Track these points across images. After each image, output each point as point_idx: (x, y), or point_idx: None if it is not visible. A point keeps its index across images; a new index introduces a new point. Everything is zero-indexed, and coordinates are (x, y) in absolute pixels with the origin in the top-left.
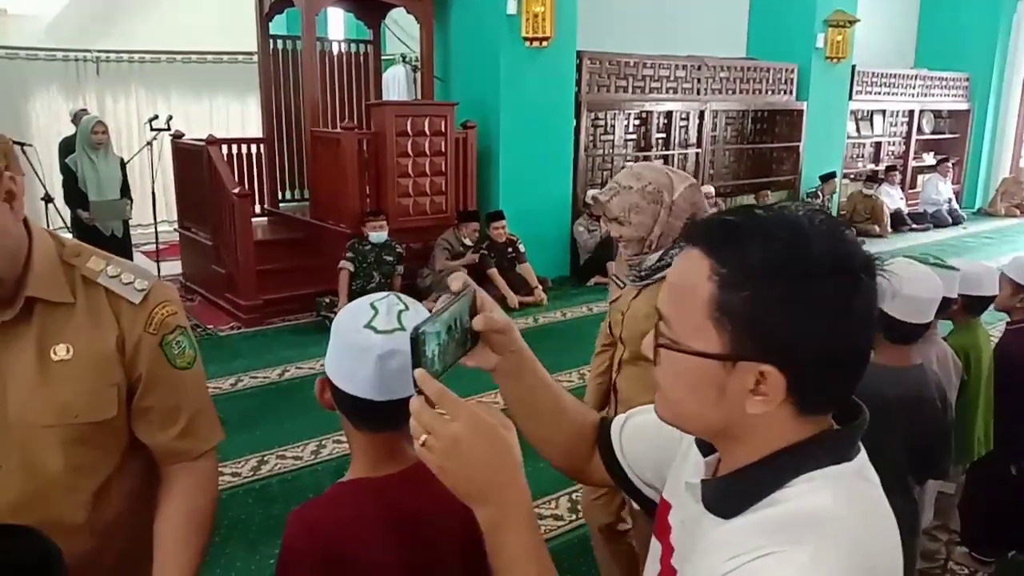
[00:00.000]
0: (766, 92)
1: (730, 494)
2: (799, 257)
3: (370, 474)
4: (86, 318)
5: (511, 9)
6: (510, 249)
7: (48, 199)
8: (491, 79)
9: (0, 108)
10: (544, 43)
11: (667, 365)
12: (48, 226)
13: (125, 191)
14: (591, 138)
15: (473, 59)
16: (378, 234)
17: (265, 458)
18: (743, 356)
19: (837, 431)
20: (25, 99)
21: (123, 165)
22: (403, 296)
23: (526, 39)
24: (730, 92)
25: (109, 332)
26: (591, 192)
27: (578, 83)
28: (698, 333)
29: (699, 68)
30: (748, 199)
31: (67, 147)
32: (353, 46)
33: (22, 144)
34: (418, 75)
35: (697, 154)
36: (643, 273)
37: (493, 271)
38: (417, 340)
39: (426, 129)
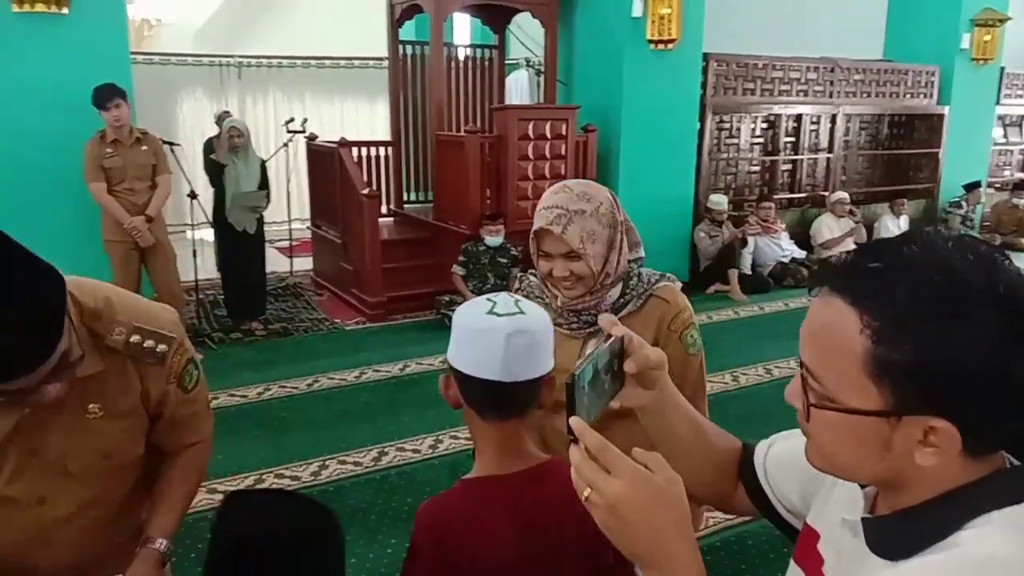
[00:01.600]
0: (904, 95)
1: (898, 536)
2: (956, 298)
3: (495, 472)
4: (114, 380)
5: (636, 12)
6: None
7: (193, 195)
8: (614, 82)
9: (152, 110)
10: (669, 45)
11: (820, 420)
12: (191, 220)
13: (263, 189)
14: (715, 142)
15: (596, 62)
16: (494, 238)
17: (385, 449)
18: (909, 411)
19: (1015, 468)
20: (174, 102)
21: (263, 167)
22: (514, 295)
23: (651, 42)
24: (865, 95)
25: (134, 389)
26: (712, 197)
27: (703, 86)
28: (855, 389)
29: (832, 70)
30: (882, 207)
31: (211, 147)
32: (478, 51)
33: (171, 144)
34: (541, 79)
35: (828, 159)
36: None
37: None
38: (573, 386)
39: (547, 132)
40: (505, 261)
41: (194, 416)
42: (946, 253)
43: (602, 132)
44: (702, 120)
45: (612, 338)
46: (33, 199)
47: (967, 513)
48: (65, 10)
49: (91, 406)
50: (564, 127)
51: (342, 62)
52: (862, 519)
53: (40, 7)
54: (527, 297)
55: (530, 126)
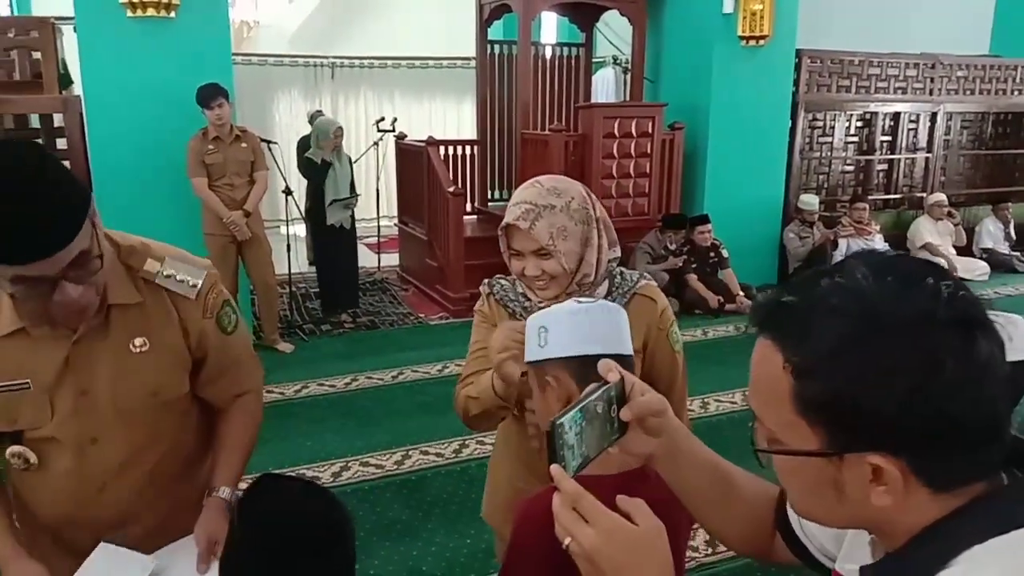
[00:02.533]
0: (1012, 92)
1: None
2: (869, 330)
3: (596, 471)
4: (154, 312)
5: (727, 8)
6: (712, 254)
7: (288, 192)
8: (702, 80)
9: (250, 109)
10: (761, 42)
11: (777, 463)
12: (286, 216)
13: (352, 187)
14: (807, 140)
15: (684, 60)
16: None
17: (466, 442)
18: (847, 448)
19: (992, 496)
20: (270, 101)
21: (351, 163)
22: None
23: (742, 38)
24: (968, 92)
25: (173, 323)
26: (803, 197)
27: (796, 83)
28: (792, 430)
29: (933, 66)
30: (984, 210)
31: (305, 145)
32: (565, 49)
33: (268, 142)
34: (627, 77)
35: (927, 159)
36: None
37: (692, 276)
38: (554, 432)
39: (633, 130)
40: None
41: (238, 363)
42: (864, 282)
43: (689, 130)
44: (794, 118)
45: (607, 383)
46: (140, 193)
47: (948, 551)
48: (173, 14)
49: (136, 340)
50: (650, 125)
51: (431, 62)
52: (860, 568)
53: (151, 12)
54: (499, 302)
55: (615, 124)
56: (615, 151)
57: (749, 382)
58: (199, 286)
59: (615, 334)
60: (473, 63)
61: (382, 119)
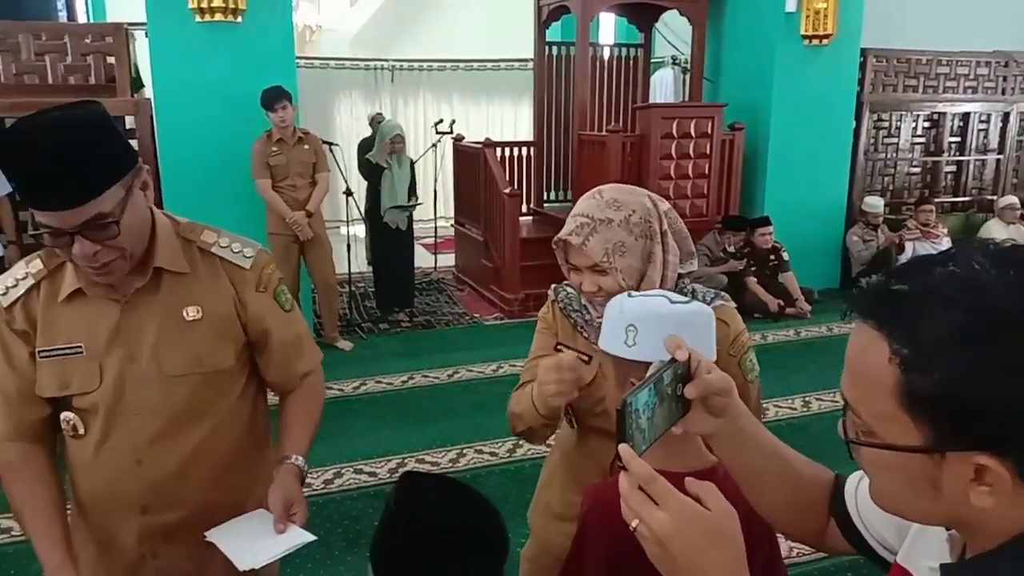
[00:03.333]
0: None
1: None
2: (987, 324)
3: (661, 467)
4: (208, 283)
5: (790, 7)
6: (772, 257)
7: (348, 192)
8: (763, 79)
9: (312, 112)
10: (824, 41)
11: (866, 457)
12: (346, 216)
13: (412, 190)
14: (872, 141)
15: (745, 59)
16: None
17: (520, 442)
18: (950, 447)
19: None
20: (332, 104)
21: (412, 167)
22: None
23: (805, 37)
24: None
25: (227, 294)
26: (867, 199)
27: (860, 82)
28: (892, 424)
29: (1006, 65)
30: None
31: (365, 147)
32: (623, 50)
33: (330, 144)
34: (687, 77)
35: (998, 161)
36: None
37: (752, 279)
38: (624, 411)
39: (691, 131)
40: None
41: (300, 341)
42: (981, 273)
43: (750, 131)
44: (858, 119)
45: (675, 360)
46: (207, 193)
47: None
48: (239, 19)
49: (188, 309)
50: (709, 125)
51: (489, 64)
52: (940, 566)
53: (219, 17)
54: (563, 311)
55: (674, 124)
56: (673, 152)
57: (845, 371)
58: (253, 257)
59: (705, 340)
60: (531, 65)
61: (440, 121)
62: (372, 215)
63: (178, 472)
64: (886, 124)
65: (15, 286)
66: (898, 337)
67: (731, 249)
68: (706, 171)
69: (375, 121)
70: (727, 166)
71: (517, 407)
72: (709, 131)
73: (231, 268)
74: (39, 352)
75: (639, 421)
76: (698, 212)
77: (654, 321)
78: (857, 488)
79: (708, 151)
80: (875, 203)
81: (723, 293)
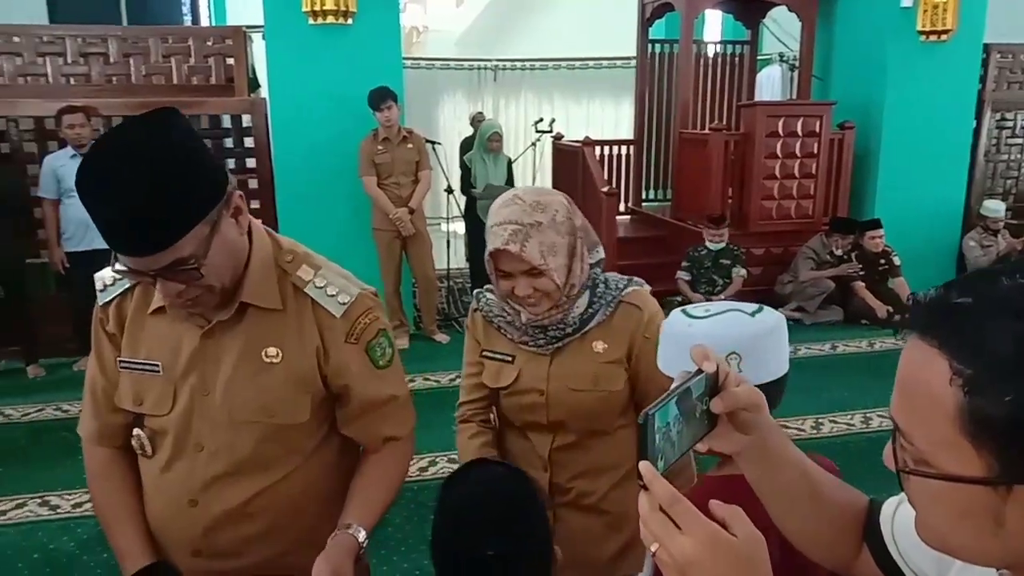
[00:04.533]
0: None
1: None
2: None
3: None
4: (294, 324)
5: (906, 2)
6: (883, 261)
7: (449, 190)
8: (876, 77)
9: (417, 111)
10: (943, 37)
11: (917, 488)
12: (447, 214)
13: (509, 183)
14: (994, 142)
15: (857, 56)
16: (715, 243)
17: None
18: (1020, 479)
19: None
20: (436, 103)
21: (510, 164)
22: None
23: (921, 33)
24: None
25: (311, 342)
26: (987, 203)
27: (982, 80)
28: (950, 451)
29: None
30: None
31: (466, 146)
32: (729, 47)
33: (433, 143)
34: (795, 74)
35: None
36: (568, 329)
37: (860, 284)
38: (646, 426)
39: (798, 130)
40: (728, 262)
41: (391, 404)
42: None
43: (860, 130)
44: (978, 118)
45: (700, 373)
46: (317, 189)
47: None
48: (350, 21)
49: (269, 349)
50: (818, 124)
51: (591, 63)
52: None
53: (331, 19)
54: (485, 317)
55: (780, 123)
56: (779, 151)
57: (896, 392)
58: (348, 304)
59: (784, 346)
60: (633, 63)
61: (540, 120)
62: (470, 212)
63: (232, 521)
64: (1010, 124)
65: (112, 285)
66: (961, 356)
67: (838, 252)
68: (813, 171)
69: (476, 120)
70: (835, 166)
71: (460, 451)
72: (817, 130)
73: (321, 312)
74: (120, 362)
75: (662, 437)
76: (804, 213)
77: (755, 343)
78: (894, 515)
79: (816, 150)
80: (996, 207)
81: (635, 278)
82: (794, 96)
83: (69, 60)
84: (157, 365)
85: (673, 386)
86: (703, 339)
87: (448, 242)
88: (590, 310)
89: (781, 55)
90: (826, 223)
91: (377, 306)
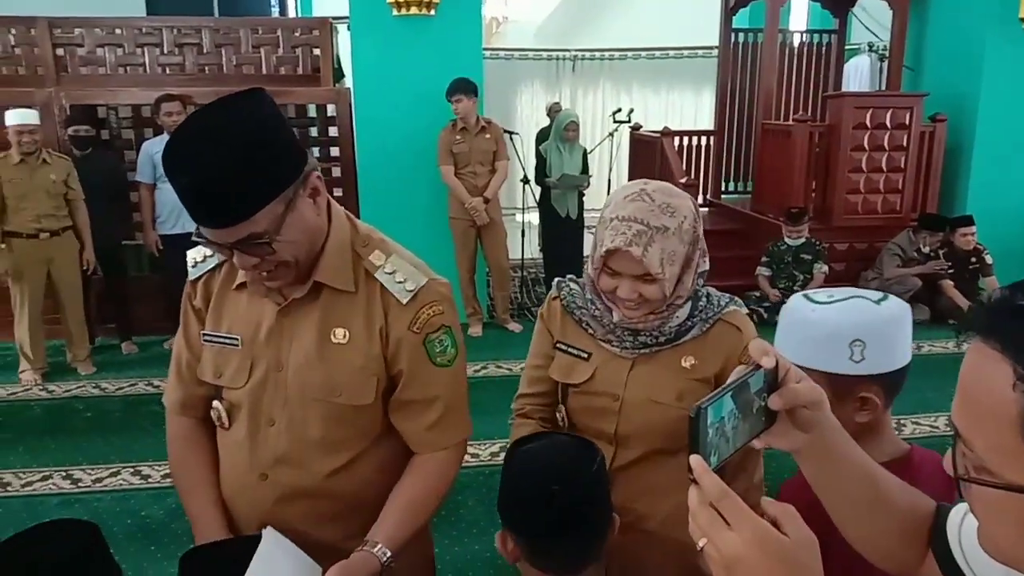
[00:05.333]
0: None
1: None
2: None
3: None
4: (363, 308)
5: None
6: (973, 259)
7: (525, 180)
8: (972, 67)
9: (495, 101)
10: None
11: (977, 497)
12: (522, 204)
13: (585, 173)
14: None
15: (951, 45)
16: (795, 239)
17: None
18: None
19: None
20: (513, 94)
21: (585, 155)
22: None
23: None
24: None
25: (377, 324)
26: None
27: None
28: (1013, 459)
29: None
30: None
31: (543, 136)
32: (815, 36)
33: (511, 132)
34: (884, 64)
35: None
36: (662, 339)
37: (948, 283)
38: (697, 419)
39: (887, 122)
40: (809, 258)
41: (437, 403)
42: None
43: (953, 123)
44: None
45: (758, 368)
46: (398, 177)
47: None
48: (432, 12)
49: (338, 330)
50: (908, 116)
51: (671, 52)
52: None
53: (414, 10)
54: (566, 307)
55: (868, 115)
56: (866, 143)
57: (957, 397)
58: (414, 292)
59: (908, 338)
60: (715, 52)
61: (618, 110)
62: (544, 202)
63: (298, 500)
64: None
65: (203, 261)
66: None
67: (926, 249)
68: (902, 165)
69: (553, 111)
70: (925, 160)
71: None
72: (907, 122)
73: (388, 298)
74: (203, 335)
75: (715, 431)
76: (890, 208)
77: (882, 329)
78: (962, 522)
79: (905, 143)
80: None
81: (735, 298)
82: (883, 87)
83: (165, 51)
84: (237, 339)
85: (729, 380)
86: (827, 325)
87: (523, 232)
88: (688, 322)
89: (871, 44)
90: (914, 219)
91: (445, 300)
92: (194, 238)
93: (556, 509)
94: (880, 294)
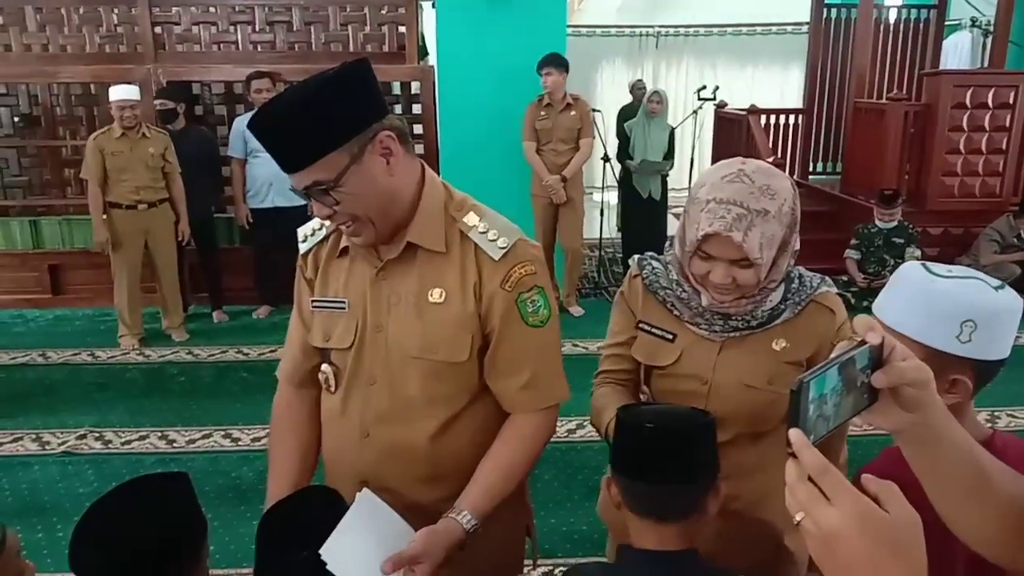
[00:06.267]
0: None
1: None
2: None
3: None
4: (458, 267)
5: None
6: None
7: (606, 159)
8: None
9: (576, 79)
10: None
11: None
12: (602, 183)
13: (669, 156)
14: None
15: None
16: (886, 223)
17: None
18: None
19: None
20: (595, 71)
21: (672, 134)
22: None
23: None
24: None
25: (471, 281)
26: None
27: None
28: None
29: None
30: None
31: (625, 115)
32: (913, 12)
33: (594, 110)
34: (987, 40)
35: None
36: (754, 323)
37: None
38: (800, 393)
39: (989, 101)
40: (901, 242)
41: (532, 361)
42: None
43: None
44: None
45: (865, 344)
46: (480, 154)
47: None
48: None
49: (434, 290)
50: (1012, 95)
51: (758, 28)
52: None
53: None
54: (648, 287)
55: (968, 94)
56: (964, 124)
57: None
58: (506, 249)
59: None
60: (804, 28)
61: (703, 87)
62: (624, 182)
63: (398, 459)
64: None
65: (312, 235)
66: None
67: None
68: (1003, 146)
69: (635, 88)
70: None
71: (599, 423)
72: (1011, 101)
73: (482, 256)
74: (313, 302)
75: (817, 406)
76: (989, 192)
77: (997, 316)
78: None
79: (1008, 124)
80: None
81: (826, 277)
82: (985, 65)
83: (257, 28)
84: (344, 302)
85: (833, 355)
86: (943, 298)
87: (602, 211)
88: (781, 305)
89: (973, 20)
90: (1015, 203)
91: (536, 260)
92: (290, 188)
93: (658, 452)
94: (998, 282)
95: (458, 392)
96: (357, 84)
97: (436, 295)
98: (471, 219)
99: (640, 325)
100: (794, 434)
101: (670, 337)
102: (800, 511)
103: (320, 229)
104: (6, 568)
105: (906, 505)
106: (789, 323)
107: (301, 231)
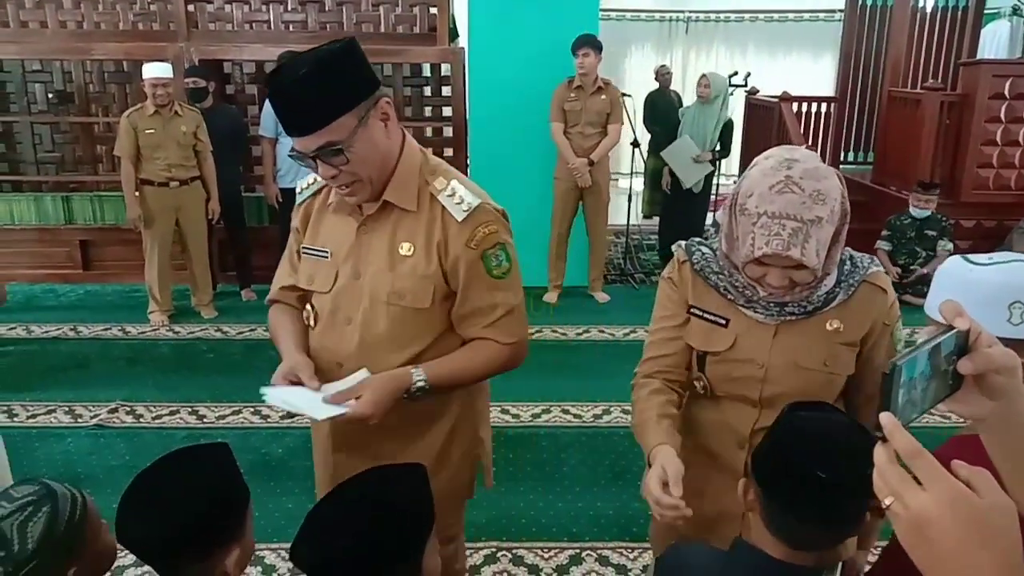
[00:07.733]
0: None
1: None
2: None
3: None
4: (426, 225)
5: None
6: None
7: (635, 144)
8: None
9: (605, 63)
10: None
11: None
12: (631, 170)
13: (723, 149)
14: None
15: None
16: (922, 209)
17: None
18: None
19: None
20: (623, 55)
21: (727, 125)
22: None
23: None
24: None
25: (436, 240)
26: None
27: None
28: None
29: None
30: None
31: (651, 101)
32: (950, 0)
33: (624, 95)
34: None
35: None
36: (809, 308)
37: None
38: (892, 376)
39: None
40: (934, 234)
41: (494, 311)
42: None
43: None
44: None
45: (952, 329)
46: (508, 137)
47: None
48: None
49: (404, 244)
50: None
51: (790, 15)
52: None
53: None
54: (699, 272)
55: (1007, 84)
56: (1002, 115)
57: None
58: (469, 211)
59: None
60: (838, 15)
61: (735, 74)
62: (653, 169)
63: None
64: None
65: (307, 188)
66: None
67: None
68: None
69: (661, 74)
70: None
71: (638, 425)
72: None
73: (448, 217)
74: (302, 248)
75: (907, 391)
76: None
77: None
78: None
79: None
80: None
81: (874, 257)
82: None
83: (289, 8)
84: (327, 251)
85: (921, 340)
86: (985, 285)
87: (629, 197)
88: (835, 289)
89: (1015, 8)
90: None
91: (497, 221)
92: (289, 155)
93: (825, 505)
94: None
95: (421, 333)
96: (359, 56)
97: (405, 248)
98: (440, 183)
99: (692, 310)
100: (885, 417)
101: (723, 322)
102: (890, 495)
103: (314, 183)
104: (94, 527)
105: (1000, 491)
106: (843, 304)
107: (299, 184)
